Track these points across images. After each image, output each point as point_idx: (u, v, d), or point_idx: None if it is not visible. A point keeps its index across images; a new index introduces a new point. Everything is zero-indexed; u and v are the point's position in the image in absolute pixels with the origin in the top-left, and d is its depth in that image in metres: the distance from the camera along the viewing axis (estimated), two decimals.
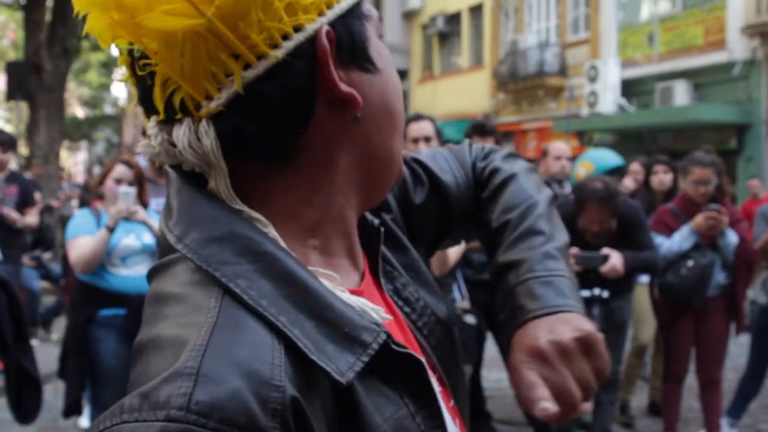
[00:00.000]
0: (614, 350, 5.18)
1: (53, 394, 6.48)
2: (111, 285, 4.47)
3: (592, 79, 19.48)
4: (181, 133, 0.83)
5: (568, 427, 5.24)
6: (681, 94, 17.61)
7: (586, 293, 4.92)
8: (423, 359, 0.90)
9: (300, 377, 0.76)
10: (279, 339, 0.77)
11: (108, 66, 32.46)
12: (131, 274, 4.52)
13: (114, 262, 4.49)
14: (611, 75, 19.27)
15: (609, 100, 19.28)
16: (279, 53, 0.80)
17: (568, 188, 6.11)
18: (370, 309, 0.87)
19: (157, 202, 5.18)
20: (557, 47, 21.93)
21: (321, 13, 0.83)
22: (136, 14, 0.78)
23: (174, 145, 0.84)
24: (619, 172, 7.37)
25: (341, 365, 0.79)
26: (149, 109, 0.86)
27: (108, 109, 46.02)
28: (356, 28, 0.87)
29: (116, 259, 4.49)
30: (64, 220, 12.03)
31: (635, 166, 7.15)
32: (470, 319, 4.71)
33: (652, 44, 18.99)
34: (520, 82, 22.48)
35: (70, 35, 13.96)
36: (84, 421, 5.70)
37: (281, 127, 0.83)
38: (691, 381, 5.84)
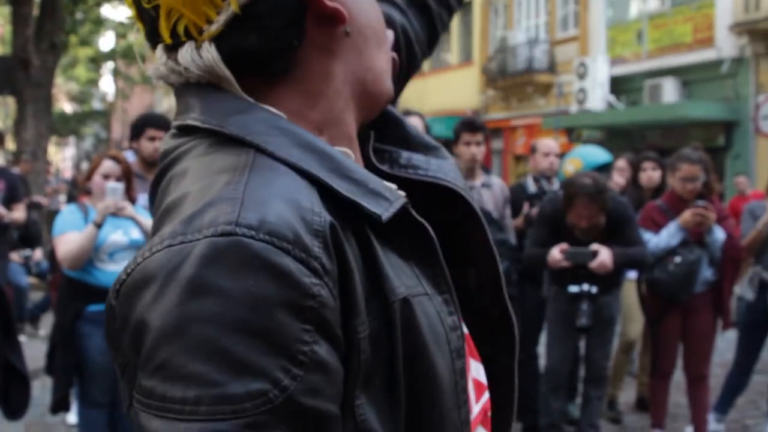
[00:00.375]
0: (602, 346, 5.20)
1: (41, 390, 6.46)
2: (99, 281, 4.45)
3: (581, 76, 19.51)
4: (185, 52, 0.90)
5: (557, 423, 5.25)
6: (669, 91, 17.66)
7: (574, 289, 4.93)
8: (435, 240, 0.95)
9: (333, 216, 0.83)
10: (312, 186, 0.84)
11: (96, 61, 32.24)
12: (119, 270, 4.49)
13: (102, 258, 4.47)
14: (600, 72, 19.31)
15: (598, 97, 19.32)
16: None
17: (556, 184, 6.13)
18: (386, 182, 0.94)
19: (144, 198, 5.16)
20: (546, 44, 21.96)
21: None
22: None
23: (179, 63, 0.91)
24: (607, 168, 7.38)
25: (378, 209, 0.86)
26: (155, 40, 0.94)
27: (96, 105, 45.86)
28: None
29: (104, 254, 4.47)
30: (51, 215, 11.99)
31: (621, 163, 7.16)
32: None
33: (641, 41, 19.04)
34: (509, 79, 22.50)
35: (57, 30, 13.89)
36: (72, 417, 5.68)
37: (277, 43, 0.89)
38: (678, 377, 5.86)
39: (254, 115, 0.89)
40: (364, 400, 0.83)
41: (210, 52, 0.88)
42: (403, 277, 0.89)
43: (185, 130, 0.92)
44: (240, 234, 0.74)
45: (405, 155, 1.12)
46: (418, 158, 1.12)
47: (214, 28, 0.87)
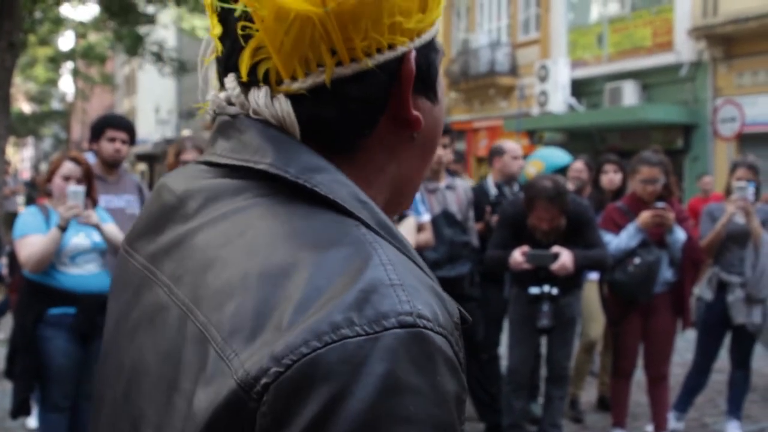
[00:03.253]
0: (564, 346, 5.25)
1: (0, 394, 6.38)
2: (61, 284, 4.40)
3: (543, 79, 19.65)
4: (260, 96, 0.87)
5: (519, 423, 5.29)
6: (629, 94, 17.86)
7: (536, 290, 4.97)
8: None
9: None
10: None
11: (55, 61, 31.87)
12: (81, 273, 4.46)
13: (64, 261, 4.43)
14: (561, 75, 19.46)
15: (559, 99, 19.47)
16: (370, 62, 0.86)
17: (516, 187, 6.18)
18: None
19: (106, 200, 5.12)
20: (508, 47, 22.10)
21: (412, 39, 0.89)
22: None
23: (247, 102, 0.89)
24: (568, 170, 7.44)
25: (453, 309, 0.81)
26: (228, 68, 0.91)
27: (55, 105, 45.35)
28: (433, 59, 0.94)
29: (66, 258, 4.43)
30: (9, 217, 11.83)
31: (577, 164, 7.22)
32: None
33: (602, 45, 19.23)
34: (472, 81, 22.60)
35: (16, 29, 13.67)
36: (32, 421, 5.62)
37: (350, 126, 0.88)
38: (639, 376, 5.93)
39: (334, 176, 0.86)
40: None
41: (285, 105, 0.86)
42: None
43: (237, 172, 0.89)
44: (422, 326, 0.72)
45: None
46: None
47: (295, 86, 0.86)
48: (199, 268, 0.83)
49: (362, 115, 0.88)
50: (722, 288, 5.70)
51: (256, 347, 0.71)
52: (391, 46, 0.87)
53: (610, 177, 6.54)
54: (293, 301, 0.73)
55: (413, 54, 0.89)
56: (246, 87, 0.89)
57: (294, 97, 0.86)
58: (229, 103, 0.91)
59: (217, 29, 0.90)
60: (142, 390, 0.85)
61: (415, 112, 0.91)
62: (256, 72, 0.87)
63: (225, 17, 0.88)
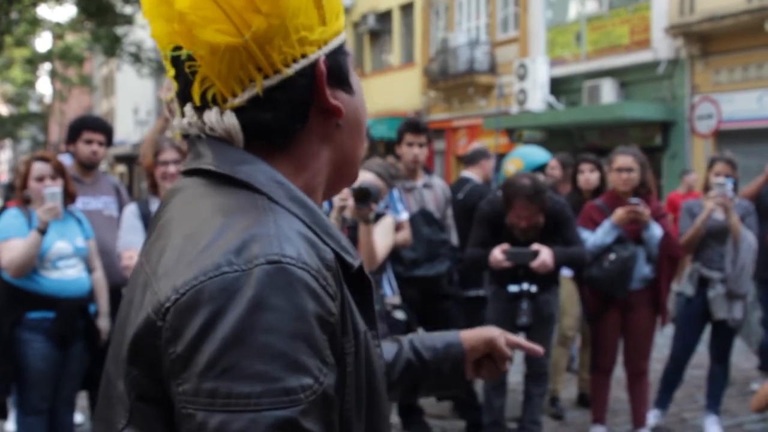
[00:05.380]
0: (542, 343, 5.26)
1: None
2: (42, 288, 4.37)
3: (522, 77, 19.70)
4: (212, 116, 1.13)
5: (499, 420, 5.30)
6: (608, 92, 17.94)
7: (514, 288, 4.99)
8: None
9: None
10: (311, 230, 1.07)
11: (32, 62, 31.70)
12: (62, 278, 4.43)
13: (45, 266, 4.39)
14: (540, 73, 19.52)
15: (538, 97, 19.53)
16: (289, 71, 1.11)
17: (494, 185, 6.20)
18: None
19: (84, 201, 5.09)
20: (487, 45, 22.14)
21: (320, 47, 1.15)
22: (193, 28, 1.07)
23: (204, 123, 1.14)
24: (546, 168, 7.46)
25: (350, 259, 1.11)
26: (185, 99, 1.16)
27: (33, 107, 45.06)
28: (341, 60, 1.20)
29: (48, 262, 4.39)
30: None
31: (551, 162, 7.24)
32: (400, 315, 4.72)
33: (580, 43, 19.31)
34: (451, 80, 22.63)
35: None
36: (10, 425, 5.58)
37: (284, 123, 1.13)
38: (618, 372, 5.95)
39: (257, 167, 1.12)
40: (346, 400, 1.07)
41: (231, 119, 1.11)
42: (359, 316, 1.13)
43: (194, 173, 1.15)
44: (285, 262, 0.97)
45: None
46: None
47: (237, 101, 1.11)
48: (156, 239, 1.12)
49: (292, 113, 1.13)
50: (703, 284, 5.73)
51: (169, 283, 0.98)
52: (304, 56, 1.13)
53: (587, 176, 6.53)
54: (198, 249, 1.00)
55: (322, 59, 1.14)
56: (201, 110, 1.14)
57: (238, 110, 1.12)
58: (191, 125, 1.16)
59: (171, 72, 1.16)
60: (113, 346, 1.12)
61: (335, 102, 1.17)
62: (206, 97, 1.12)
63: (175, 62, 1.14)
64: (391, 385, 1.60)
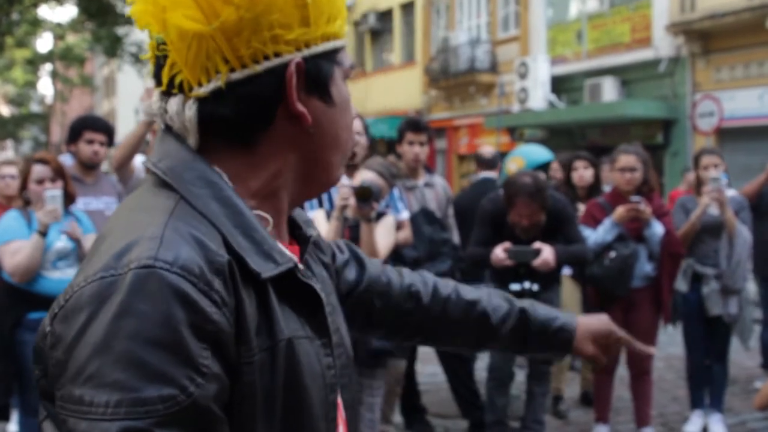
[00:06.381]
0: None
1: None
2: (43, 288, 4.37)
3: (523, 76, 19.69)
4: (173, 103, 1.10)
5: (502, 419, 5.30)
6: (609, 90, 17.92)
7: (516, 287, 4.97)
8: (323, 297, 1.16)
9: (237, 264, 1.03)
10: (220, 235, 1.03)
11: (33, 63, 31.72)
12: (62, 278, 4.43)
13: (46, 266, 4.39)
14: (541, 72, 19.51)
15: (539, 96, 19.52)
16: (257, 68, 1.07)
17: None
18: (286, 250, 1.13)
19: (85, 202, 5.08)
20: (488, 44, 22.14)
21: (298, 48, 1.10)
22: (165, 11, 1.05)
23: (166, 111, 1.12)
24: (549, 167, 7.45)
25: (261, 268, 1.05)
26: (158, 82, 1.13)
27: (34, 107, 45.09)
28: (324, 67, 1.14)
29: (48, 263, 4.40)
30: None
31: (553, 164, 7.23)
32: None
33: (581, 41, 19.29)
34: (452, 79, 22.63)
35: None
36: (12, 426, 5.57)
37: (246, 121, 1.09)
38: (622, 371, 5.94)
39: (190, 165, 1.09)
40: (246, 412, 1.03)
41: (191, 110, 1.08)
42: (290, 323, 1.09)
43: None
44: (158, 267, 0.93)
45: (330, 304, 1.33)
46: None
47: (201, 91, 1.07)
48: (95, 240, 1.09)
49: (255, 111, 1.09)
50: (697, 280, 5.72)
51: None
52: (277, 54, 1.08)
53: (581, 173, 6.53)
54: (96, 253, 1.00)
55: (295, 61, 1.09)
56: (167, 96, 1.12)
57: (201, 101, 1.08)
58: (157, 111, 1.15)
59: (150, 53, 1.13)
60: None
61: (301, 108, 1.11)
62: (174, 82, 1.09)
63: (154, 45, 1.12)
64: (491, 338, 1.66)
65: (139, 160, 5.72)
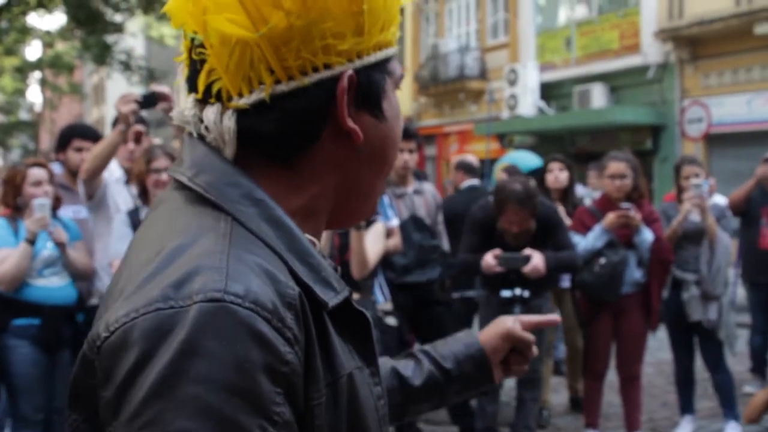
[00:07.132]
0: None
1: None
2: (28, 296, 4.38)
3: (512, 83, 19.75)
4: (210, 113, 1.00)
5: (492, 426, 5.30)
6: (598, 96, 17.98)
7: (507, 293, 4.98)
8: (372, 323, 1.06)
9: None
10: (284, 263, 0.94)
11: (22, 71, 31.62)
12: (48, 285, 4.44)
13: (31, 274, 4.40)
14: (530, 78, 19.57)
15: (528, 102, 19.57)
16: (306, 80, 0.97)
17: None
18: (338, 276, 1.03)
19: (74, 210, 5.07)
20: (477, 51, 22.18)
21: (350, 60, 1.00)
22: (207, 12, 0.96)
23: (201, 120, 1.02)
24: (539, 173, 7.47)
25: (326, 297, 0.96)
26: (192, 88, 1.03)
27: (23, 115, 44.97)
28: (376, 79, 1.04)
29: (34, 270, 4.40)
30: None
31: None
32: (392, 321, 4.72)
33: (570, 48, 19.35)
34: (441, 86, 22.66)
35: None
36: None
37: (290, 138, 0.99)
38: (612, 377, 5.95)
39: (233, 180, 0.98)
40: None
41: (230, 121, 0.98)
42: (345, 354, 1.00)
43: (177, 184, 1.02)
44: (228, 301, 0.83)
45: None
46: None
47: (242, 102, 0.97)
48: (126, 256, 1.00)
49: (300, 127, 0.99)
50: (677, 286, 5.75)
51: (108, 314, 0.87)
52: (327, 66, 0.98)
53: (555, 175, 6.42)
54: (142, 278, 0.88)
55: (348, 73, 0.99)
56: (202, 104, 1.02)
57: (241, 112, 0.98)
58: (190, 119, 1.04)
59: (184, 55, 1.03)
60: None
61: (352, 125, 1.01)
62: (211, 90, 0.99)
63: (189, 46, 1.01)
64: (416, 401, 1.48)
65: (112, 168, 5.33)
